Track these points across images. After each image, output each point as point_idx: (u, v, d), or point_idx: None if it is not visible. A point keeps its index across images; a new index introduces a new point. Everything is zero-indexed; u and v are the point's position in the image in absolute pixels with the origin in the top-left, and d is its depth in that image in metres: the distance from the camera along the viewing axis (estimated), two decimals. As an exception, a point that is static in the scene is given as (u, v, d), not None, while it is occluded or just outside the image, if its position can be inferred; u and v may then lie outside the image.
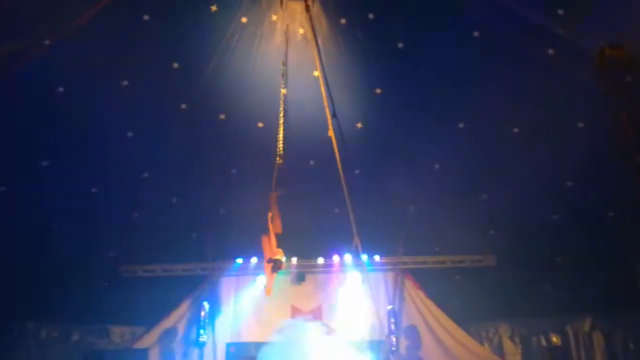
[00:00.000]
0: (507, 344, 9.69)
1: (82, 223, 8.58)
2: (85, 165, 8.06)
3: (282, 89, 7.30)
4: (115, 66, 7.30)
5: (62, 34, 6.69)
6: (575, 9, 6.59)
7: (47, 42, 6.71)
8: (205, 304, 9.38)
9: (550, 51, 7.14)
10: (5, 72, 6.74)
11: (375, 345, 9.09)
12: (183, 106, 7.98)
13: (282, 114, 7.19)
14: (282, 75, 7.34)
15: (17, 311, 8.85)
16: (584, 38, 6.69)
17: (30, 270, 8.47)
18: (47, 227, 8.45)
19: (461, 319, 9.54)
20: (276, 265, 6.37)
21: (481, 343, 9.68)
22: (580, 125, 7.70)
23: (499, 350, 9.68)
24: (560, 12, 6.69)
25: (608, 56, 6.59)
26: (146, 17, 7.09)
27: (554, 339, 9.38)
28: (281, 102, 7.24)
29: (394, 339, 9.16)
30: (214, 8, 7.17)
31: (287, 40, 7.40)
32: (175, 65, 7.58)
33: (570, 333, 9.26)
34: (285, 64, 7.37)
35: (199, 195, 8.77)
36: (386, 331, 9.21)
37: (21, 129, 7.42)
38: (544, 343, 9.47)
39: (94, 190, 8.45)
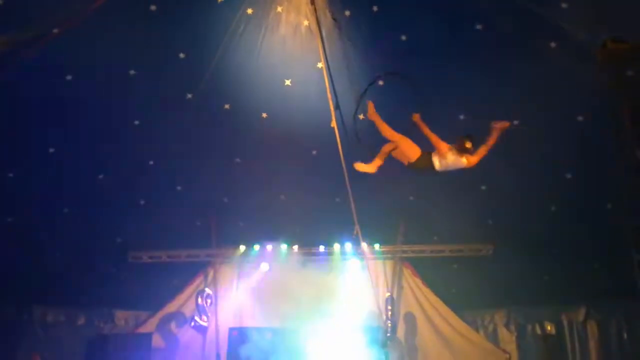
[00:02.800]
0: (503, 332, 9.89)
1: (89, 209, 8.72)
2: (93, 152, 8.19)
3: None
4: (122, 55, 7.37)
5: (71, 23, 6.75)
6: (578, 1, 6.63)
7: (56, 30, 6.77)
8: (208, 290, 9.58)
9: (552, 44, 7.18)
10: (15, 60, 6.83)
11: (373, 331, 9.28)
12: (189, 96, 8.08)
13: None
14: None
15: (25, 296, 9.04)
16: (586, 31, 6.73)
17: (38, 255, 8.63)
18: (55, 213, 8.60)
19: (458, 307, 9.72)
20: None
21: (477, 330, 9.88)
22: (580, 118, 7.79)
23: (494, 338, 9.88)
24: (564, 5, 6.72)
25: (610, 49, 6.61)
26: (153, 8, 7.16)
27: (549, 328, 9.56)
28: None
29: (390, 325, 9.35)
30: (219, -1, 7.26)
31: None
32: (182, 55, 7.66)
33: (565, 322, 9.47)
34: None
35: (203, 183, 8.90)
36: (384, 318, 9.40)
37: (30, 116, 7.53)
38: (538, 332, 9.66)
39: (101, 176, 8.57)
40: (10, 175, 7.99)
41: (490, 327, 9.97)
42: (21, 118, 7.46)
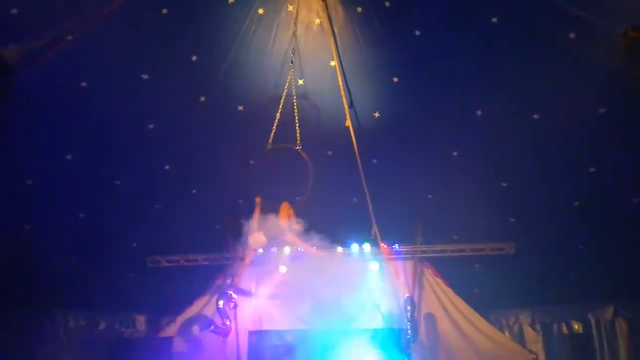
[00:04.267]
0: (528, 332, 9.67)
1: (105, 214, 8.78)
2: (109, 158, 8.22)
3: (292, 75, 7.31)
4: (135, 60, 7.40)
5: (84, 29, 6.79)
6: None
7: (69, 37, 6.83)
8: (232, 293, 9.54)
9: (572, 35, 6.99)
10: (30, 68, 6.89)
11: (395, 334, 9.14)
12: (202, 98, 8.08)
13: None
14: (292, 62, 7.29)
15: (46, 301, 9.13)
16: (606, 21, 6.54)
17: (57, 261, 8.70)
18: (73, 219, 8.67)
19: (481, 307, 9.52)
20: None
21: (501, 331, 9.67)
22: (602, 110, 7.57)
23: (520, 338, 9.66)
24: (582, -7, 6.57)
25: (631, 39, 6.43)
26: (165, 11, 7.18)
27: (576, 327, 9.32)
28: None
29: (413, 328, 9.19)
30: (231, 0, 7.23)
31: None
32: (194, 58, 7.67)
33: (592, 321, 9.20)
34: (294, 52, 7.34)
35: (218, 186, 8.89)
36: (405, 319, 9.25)
37: (46, 124, 7.60)
38: (565, 331, 9.43)
39: (117, 182, 8.62)
40: (29, 182, 8.07)
41: (516, 327, 9.76)
42: (37, 125, 7.53)
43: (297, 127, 7.21)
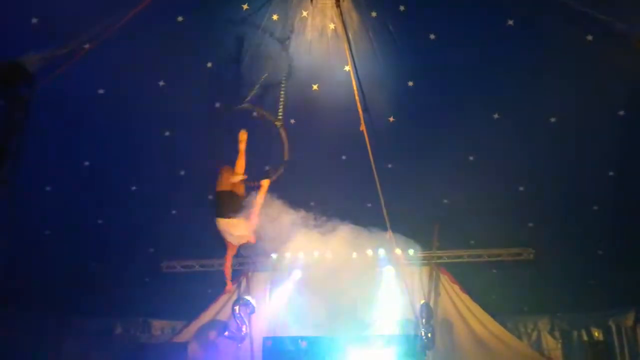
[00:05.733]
0: (547, 339, 9.52)
1: (122, 220, 8.85)
2: (126, 165, 8.30)
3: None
4: (152, 67, 7.46)
5: (101, 38, 6.88)
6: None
7: (87, 46, 6.92)
8: (246, 299, 9.54)
9: (589, 37, 6.92)
10: (49, 76, 7.00)
11: (410, 340, 9.05)
12: (217, 104, 8.12)
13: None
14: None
15: (63, 307, 9.21)
16: (624, 23, 6.46)
17: (76, 266, 8.80)
18: (90, 225, 8.76)
19: (499, 314, 9.41)
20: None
21: (519, 338, 9.52)
22: (621, 113, 7.46)
23: (538, 345, 9.52)
24: (599, -5, 6.49)
25: (648, 41, 6.38)
26: (180, 19, 7.24)
27: (596, 334, 9.15)
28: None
29: (429, 334, 9.09)
30: (245, 7, 7.27)
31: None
32: (209, 64, 7.72)
33: (613, 327, 9.01)
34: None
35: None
36: (421, 326, 9.16)
37: (64, 131, 7.71)
38: (585, 338, 9.26)
39: (133, 188, 8.69)
40: (48, 188, 8.18)
41: (534, 335, 9.61)
42: (56, 132, 7.62)
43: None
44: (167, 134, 8.25)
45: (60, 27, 6.57)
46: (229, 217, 5.96)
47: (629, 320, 8.91)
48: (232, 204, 6.01)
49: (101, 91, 7.52)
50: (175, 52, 7.44)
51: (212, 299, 9.84)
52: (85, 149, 8.05)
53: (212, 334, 9.44)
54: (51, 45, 6.61)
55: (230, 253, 6.22)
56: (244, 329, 9.06)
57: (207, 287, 9.73)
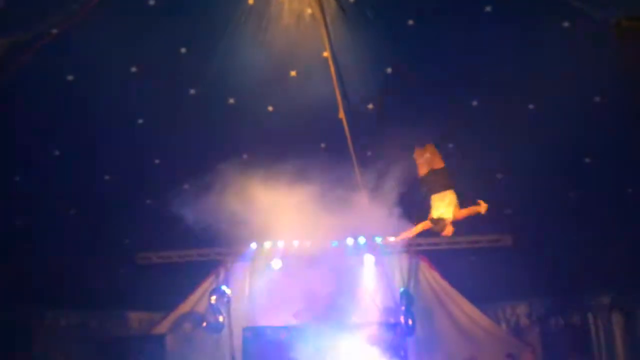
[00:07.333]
0: (525, 324, 9.64)
1: (95, 210, 8.65)
2: (98, 153, 8.10)
3: None
4: (123, 53, 7.23)
5: (69, 22, 6.66)
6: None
7: (54, 31, 6.69)
8: (221, 289, 9.44)
9: (565, 24, 6.93)
10: (15, 63, 6.76)
11: (390, 328, 9.08)
12: (192, 91, 7.93)
13: None
14: None
15: (35, 300, 9.00)
16: (600, 9, 6.47)
17: (46, 258, 8.58)
18: (62, 215, 8.55)
19: (478, 300, 9.49)
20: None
21: (498, 323, 9.63)
22: (597, 99, 7.51)
23: (517, 330, 9.64)
24: (575, -18, 6.49)
25: (625, 28, 6.38)
26: (152, 2, 7.00)
27: (573, 319, 9.29)
28: None
29: (409, 321, 9.13)
30: (219, -10, 7.10)
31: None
32: (183, 50, 7.51)
33: (590, 312, 9.16)
34: None
35: (210, 180, 8.76)
36: (401, 313, 9.18)
37: (33, 119, 7.48)
38: (562, 323, 9.40)
39: (107, 177, 8.49)
40: (17, 179, 7.96)
41: (513, 320, 9.74)
42: (24, 121, 7.41)
43: None
44: (140, 121, 8.06)
45: (26, 12, 6.31)
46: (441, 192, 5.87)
47: (605, 305, 9.06)
48: (439, 179, 5.95)
49: (70, 77, 7.31)
50: (147, 37, 7.21)
51: (189, 290, 9.71)
52: (54, 137, 7.84)
53: (188, 327, 9.35)
54: (17, 30, 6.39)
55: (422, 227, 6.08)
56: (220, 319, 8.97)
57: (185, 278, 9.60)
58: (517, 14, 7.06)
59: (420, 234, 9.33)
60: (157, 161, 8.54)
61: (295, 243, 9.58)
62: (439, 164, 6.05)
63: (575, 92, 7.49)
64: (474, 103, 7.96)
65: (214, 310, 8.96)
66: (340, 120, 7.48)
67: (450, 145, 8.42)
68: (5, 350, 8.40)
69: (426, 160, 6.07)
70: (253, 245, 9.68)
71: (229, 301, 9.13)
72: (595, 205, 8.42)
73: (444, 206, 5.83)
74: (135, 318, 9.93)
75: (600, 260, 8.64)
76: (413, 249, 9.65)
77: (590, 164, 8.11)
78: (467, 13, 7.20)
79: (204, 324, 9.12)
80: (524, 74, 7.50)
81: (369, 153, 8.46)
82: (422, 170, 6.09)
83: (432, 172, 6.00)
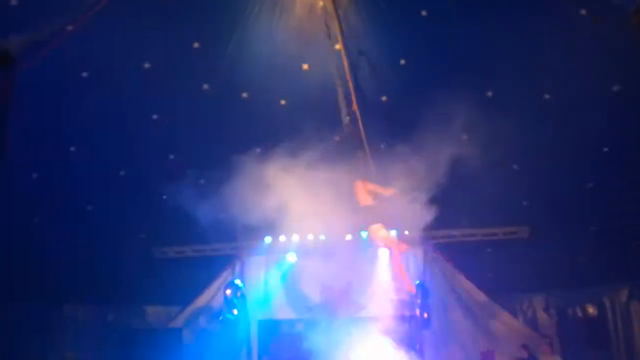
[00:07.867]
0: (542, 316, 9.57)
1: (112, 206, 8.72)
2: (113, 149, 8.15)
3: None
4: (136, 49, 7.29)
5: (84, 19, 6.68)
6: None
7: (70, 28, 6.71)
8: (237, 282, 9.49)
9: (583, 11, 6.79)
10: (31, 60, 6.79)
11: (406, 321, 9.05)
12: (205, 86, 7.95)
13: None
14: None
15: (54, 294, 9.11)
16: (617, -4, 6.34)
17: (66, 254, 8.67)
18: (79, 211, 8.62)
19: (494, 292, 9.42)
20: None
21: (515, 316, 9.56)
22: (615, 88, 7.36)
23: (534, 322, 9.56)
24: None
25: (644, 15, 6.25)
26: (164, -3, 7.05)
27: (591, 310, 9.19)
28: None
29: (425, 314, 9.09)
30: (231, -16, 7.09)
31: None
32: (196, 45, 7.53)
33: (607, 304, 9.05)
34: None
35: (224, 175, 8.78)
36: (416, 306, 9.15)
37: (49, 116, 7.51)
38: (579, 314, 9.30)
39: (122, 173, 8.55)
40: (35, 176, 8.02)
41: (530, 312, 9.66)
42: (40, 118, 7.43)
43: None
44: (154, 117, 8.09)
45: (41, 9, 6.35)
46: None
47: (623, 296, 8.94)
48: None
49: (85, 74, 7.33)
50: (161, 33, 7.24)
51: (206, 284, 9.78)
52: (71, 134, 7.87)
53: (203, 321, 9.41)
54: (32, 28, 6.41)
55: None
56: (235, 312, 9.03)
57: (200, 273, 9.67)
58: (534, 1, 6.95)
59: (435, 227, 9.41)
60: (172, 156, 8.58)
61: (310, 236, 9.59)
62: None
63: (593, 81, 7.36)
64: (489, 94, 7.86)
65: (230, 304, 9.00)
66: (353, 113, 7.42)
67: (465, 137, 8.35)
68: (24, 345, 8.52)
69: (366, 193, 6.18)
70: (268, 239, 9.70)
71: (244, 295, 9.15)
72: (613, 195, 8.27)
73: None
74: (152, 312, 10.03)
75: (618, 251, 8.52)
76: (428, 241, 9.60)
77: (609, 154, 7.96)
78: (481, 2, 7.10)
79: (220, 317, 9.18)
80: (539, 64, 7.38)
81: (383, 145, 8.40)
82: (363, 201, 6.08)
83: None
